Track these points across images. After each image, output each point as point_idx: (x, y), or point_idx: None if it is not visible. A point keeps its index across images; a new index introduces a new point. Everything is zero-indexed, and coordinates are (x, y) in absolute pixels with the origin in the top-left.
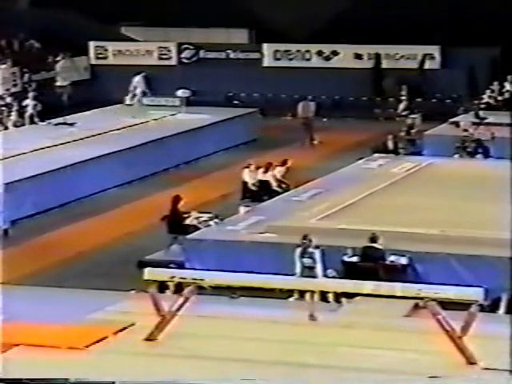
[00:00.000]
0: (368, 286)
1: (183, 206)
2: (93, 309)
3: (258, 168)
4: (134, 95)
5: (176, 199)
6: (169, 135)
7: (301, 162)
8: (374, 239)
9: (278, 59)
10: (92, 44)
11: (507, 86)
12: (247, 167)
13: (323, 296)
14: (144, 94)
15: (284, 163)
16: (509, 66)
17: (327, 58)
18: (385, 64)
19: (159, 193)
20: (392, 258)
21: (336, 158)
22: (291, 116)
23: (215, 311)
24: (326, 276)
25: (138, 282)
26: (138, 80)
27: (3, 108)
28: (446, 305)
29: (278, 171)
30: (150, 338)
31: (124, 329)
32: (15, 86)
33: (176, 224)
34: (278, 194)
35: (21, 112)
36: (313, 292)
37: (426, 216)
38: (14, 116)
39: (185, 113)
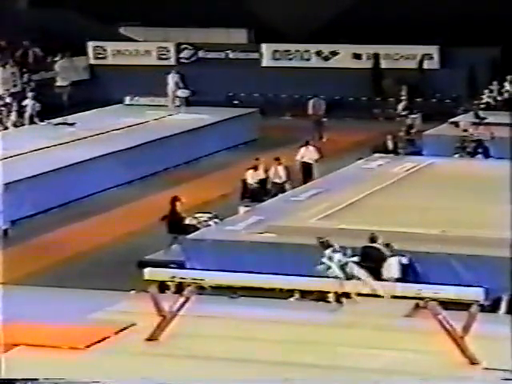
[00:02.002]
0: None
1: (182, 206)
2: (93, 309)
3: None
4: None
5: (174, 200)
6: (169, 135)
7: None
8: (373, 239)
9: (278, 59)
10: (91, 44)
11: (507, 86)
12: (253, 168)
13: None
14: (178, 89)
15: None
16: (509, 66)
17: (326, 58)
18: (384, 64)
19: (159, 193)
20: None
21: (336, 158)
22: (291, 116)
23: (215, 311)
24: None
25: (138, 282)
26: (169, 80)
27: (3, 108)
28: (447, 305)
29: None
30: (151, 338)
31: (124, 329)
32: (15, 86)
33: (176, 224)
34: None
35: (20, 112)
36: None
37: (426, 216)
38: (13, 116)
39: (185, 113)
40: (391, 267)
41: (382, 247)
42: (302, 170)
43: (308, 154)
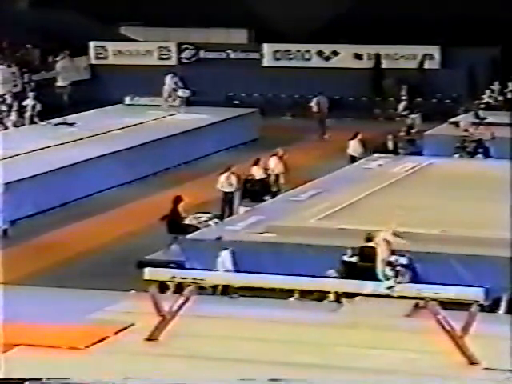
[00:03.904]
0: (368, 286)
1: (184, 206)
2: (93, 309)
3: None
4: (170, 96)
5: (177, 199)
6: (169, 135)
7: (301, 161)
8: (369, 239)
9: (278, 59)
10: (92, 44)
11: (510, 86)
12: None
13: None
14: (175, 91)
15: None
16: (509, 66)
17: (327, 58)
18: (385, 64)
19: (159, 193)
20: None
21: (336, 158)
22: (291, 116)
23: (215, 311)
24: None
25: (137, 282)
26: (166, 81)
27: (3, 108)
28: (446, 305)
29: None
30: (151, 338)
31: (124, 329)
32: (15, 86)
33: (176, 224)
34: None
35: (21, 112)
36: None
37: (426, 216)
38: (13, 116)
39: (185, 113)
40: (225, 261)
41: None
42: (350, 163)
43: (353, 147)
